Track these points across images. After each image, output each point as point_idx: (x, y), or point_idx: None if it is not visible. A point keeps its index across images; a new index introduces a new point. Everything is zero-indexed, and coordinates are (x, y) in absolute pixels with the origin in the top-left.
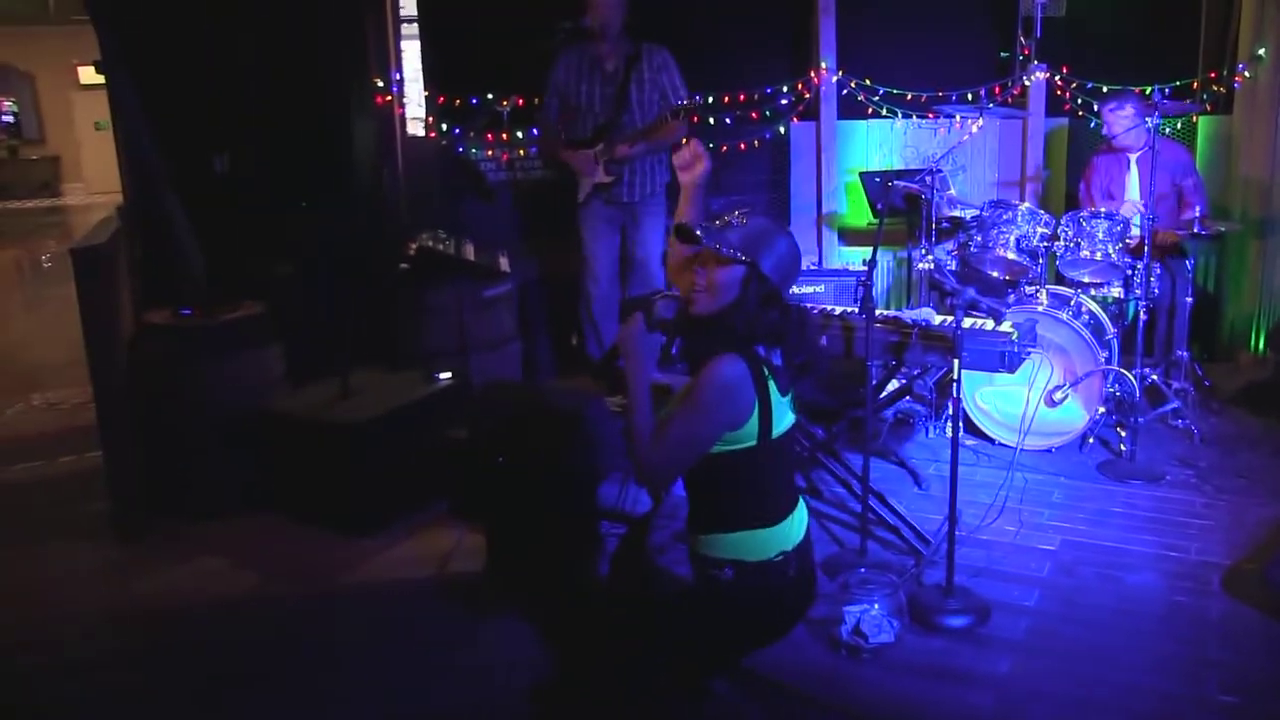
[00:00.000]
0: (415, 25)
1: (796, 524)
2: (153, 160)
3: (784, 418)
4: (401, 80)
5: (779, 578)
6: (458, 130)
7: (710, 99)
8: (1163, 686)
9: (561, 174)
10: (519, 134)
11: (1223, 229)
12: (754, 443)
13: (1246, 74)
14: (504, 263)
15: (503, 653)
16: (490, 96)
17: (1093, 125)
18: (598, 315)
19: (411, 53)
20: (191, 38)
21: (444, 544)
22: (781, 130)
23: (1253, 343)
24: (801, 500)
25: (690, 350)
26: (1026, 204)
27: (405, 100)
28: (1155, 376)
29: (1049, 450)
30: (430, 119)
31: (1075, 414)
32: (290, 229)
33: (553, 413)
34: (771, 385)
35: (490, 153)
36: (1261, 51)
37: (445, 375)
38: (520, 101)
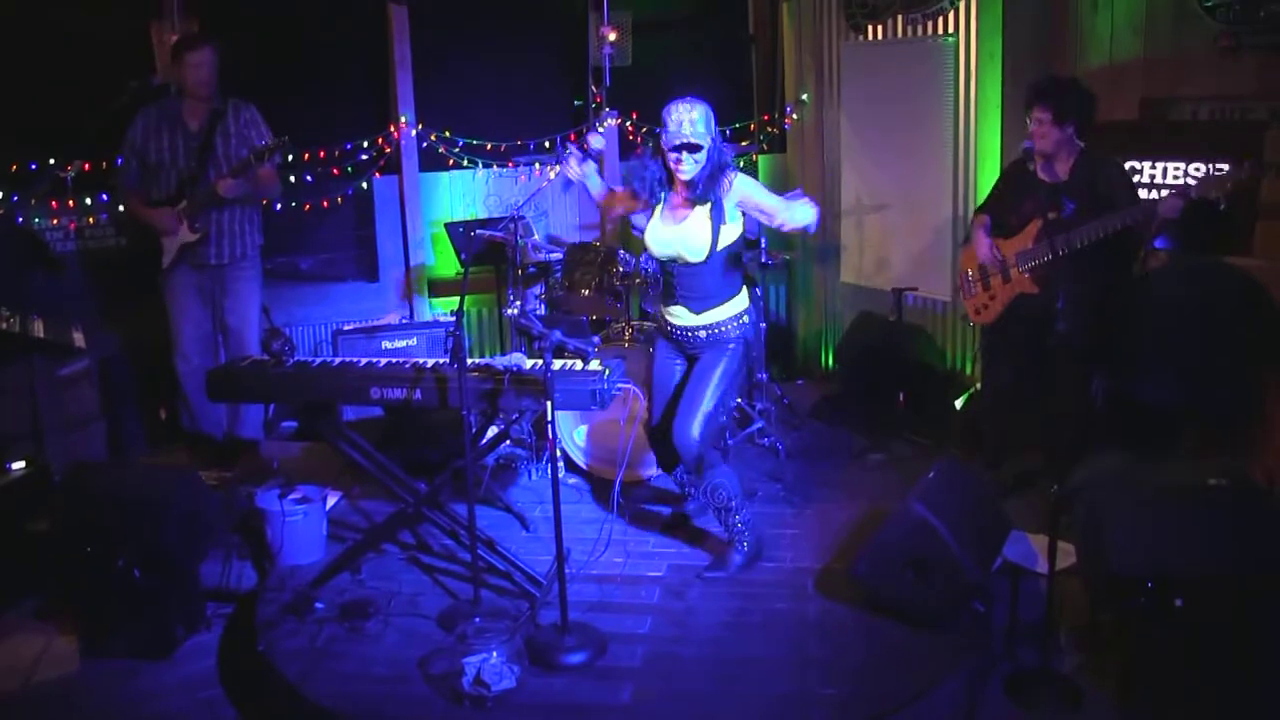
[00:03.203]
0: None
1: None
2: None
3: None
4: None
5: None
6: (15, 197)
7: (290, 156)
8: (772, 690)
9: (140, 239)
10: (88, 200)
11: (787, 257)
12: None
13: (794, 116)
14: (79, 337)
15: None
16: (52, 161)
17: None
18: (189, 391)
19: None
20: None
21: (32, 649)
22: (364, 185)
23: (823, 359)
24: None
25: None
26: (607, 245)
27: None
28: (740, 400)
29: (649, 479)
30: None
31: None
32: None
33: (145, 493)
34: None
35: (55, 221)
36: (805, 96)
37: (19, 464)
38: (86, 166)
